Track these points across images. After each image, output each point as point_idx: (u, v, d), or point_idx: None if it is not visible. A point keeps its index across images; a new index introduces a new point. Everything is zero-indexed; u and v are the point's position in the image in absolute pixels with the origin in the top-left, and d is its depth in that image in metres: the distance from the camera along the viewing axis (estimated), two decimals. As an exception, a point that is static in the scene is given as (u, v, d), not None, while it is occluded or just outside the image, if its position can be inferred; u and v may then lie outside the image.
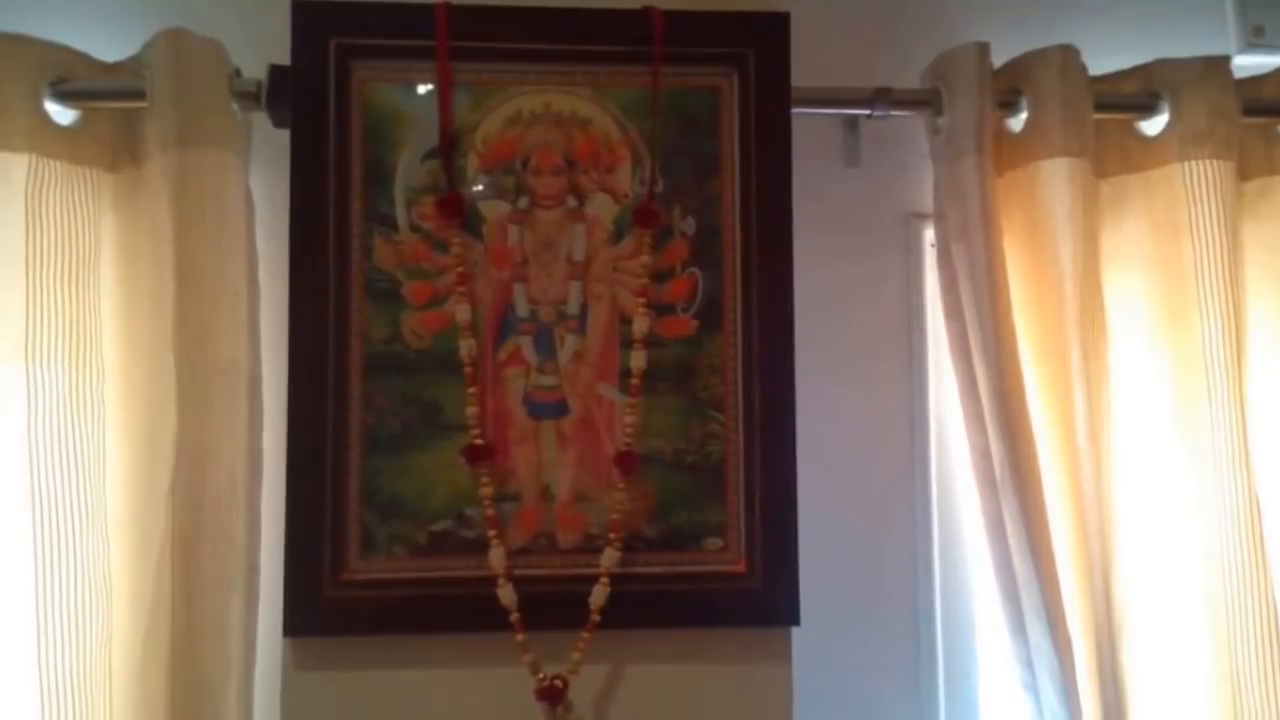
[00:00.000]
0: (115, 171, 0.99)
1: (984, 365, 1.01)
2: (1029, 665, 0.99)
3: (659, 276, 0.95)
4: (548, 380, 0.94)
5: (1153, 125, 1.08)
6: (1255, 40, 1.23)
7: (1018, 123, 1.07)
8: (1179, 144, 1.06)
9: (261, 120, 1.00)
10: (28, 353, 0.94)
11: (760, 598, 0.93)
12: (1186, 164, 1.06)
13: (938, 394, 1.18)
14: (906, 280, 1.20)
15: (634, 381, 0.93)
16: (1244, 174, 1.09)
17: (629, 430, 0.93)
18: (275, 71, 0.96)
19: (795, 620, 0.93)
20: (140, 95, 0.96)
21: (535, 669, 0.89)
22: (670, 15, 0.95)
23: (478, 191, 0.95)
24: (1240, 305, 1.06)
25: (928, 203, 1.10)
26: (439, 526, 0.92)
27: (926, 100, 1.07)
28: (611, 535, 0.91)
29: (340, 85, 0.94)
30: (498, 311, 0.94)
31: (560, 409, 0.94)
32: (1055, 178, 1.03)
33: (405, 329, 0.93)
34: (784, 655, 0.95)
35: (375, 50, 0.94)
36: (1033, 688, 0.99)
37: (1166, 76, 1.07)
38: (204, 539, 0.93)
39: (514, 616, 0.89)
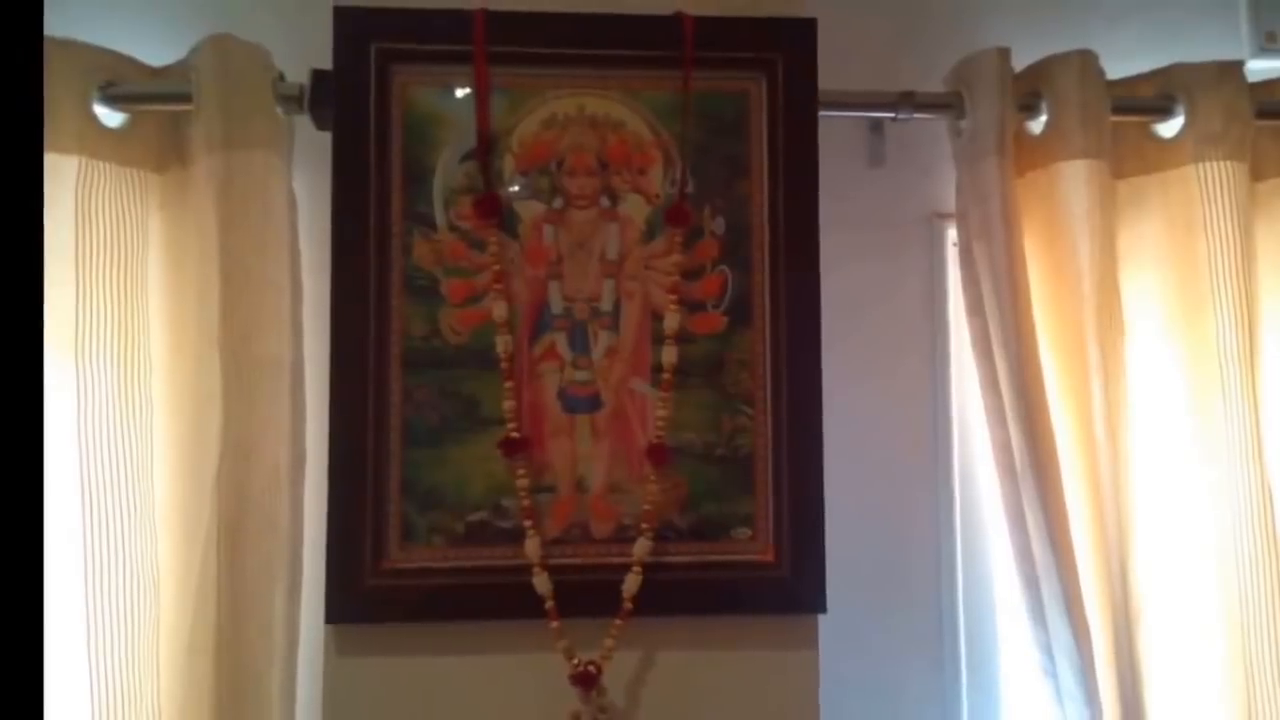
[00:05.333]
0: (162, 172, 1.01)
1: (1004, 360, 1.02)
2: (1048, 651, 1.01)
3: (690, 274, 0.96)
4: (582, 375, 0.96)
5: (1168, 128, 1.10)
6: (1268, 46, 1.25)
7: (1037, 125, 1.09)
8: (1194, 146, 1.08)
9: (304, 123, 1.01)
10: (78, 348, 0.95)
11: (788, 586, 0.94)
12: (1201, 165, 1.07)
13: (959, 388, 1.19)
14: (929, 278, 1.22)
15: (665, 376, 0.94)
16: (1257, 175, 1.11)
17: (660, 423, 0.94)
18: (317, 76, 0.98)
19: (822, 608, 0.95)
20: (187, 99, 0.98)
21: (569, 655, 0.90)
22: (701, 21, 0.97)
23: (514, 192, 0.96)
24: (1254, 302, 1.07)
25: (950, 203, 1.12)
26: (476, 517, 0.94)
27: (949, 103, 1.08)
28: (643, 525, 0.93)
29: (380, 89, 0.95)
30: (533, 308, 0.96)
31: (594, 403, 0.96)
32: (1074, 179, 1.05)
33: (444, 325, 0.95)
34: (811, 642, 0.96)
35: (415, 55, 0.96)
36: (1052, 673, 1.01)
37: (1182, 80, 1.08)
38: (249, 529, 0.95)
39: (549, 604, 0.90)
